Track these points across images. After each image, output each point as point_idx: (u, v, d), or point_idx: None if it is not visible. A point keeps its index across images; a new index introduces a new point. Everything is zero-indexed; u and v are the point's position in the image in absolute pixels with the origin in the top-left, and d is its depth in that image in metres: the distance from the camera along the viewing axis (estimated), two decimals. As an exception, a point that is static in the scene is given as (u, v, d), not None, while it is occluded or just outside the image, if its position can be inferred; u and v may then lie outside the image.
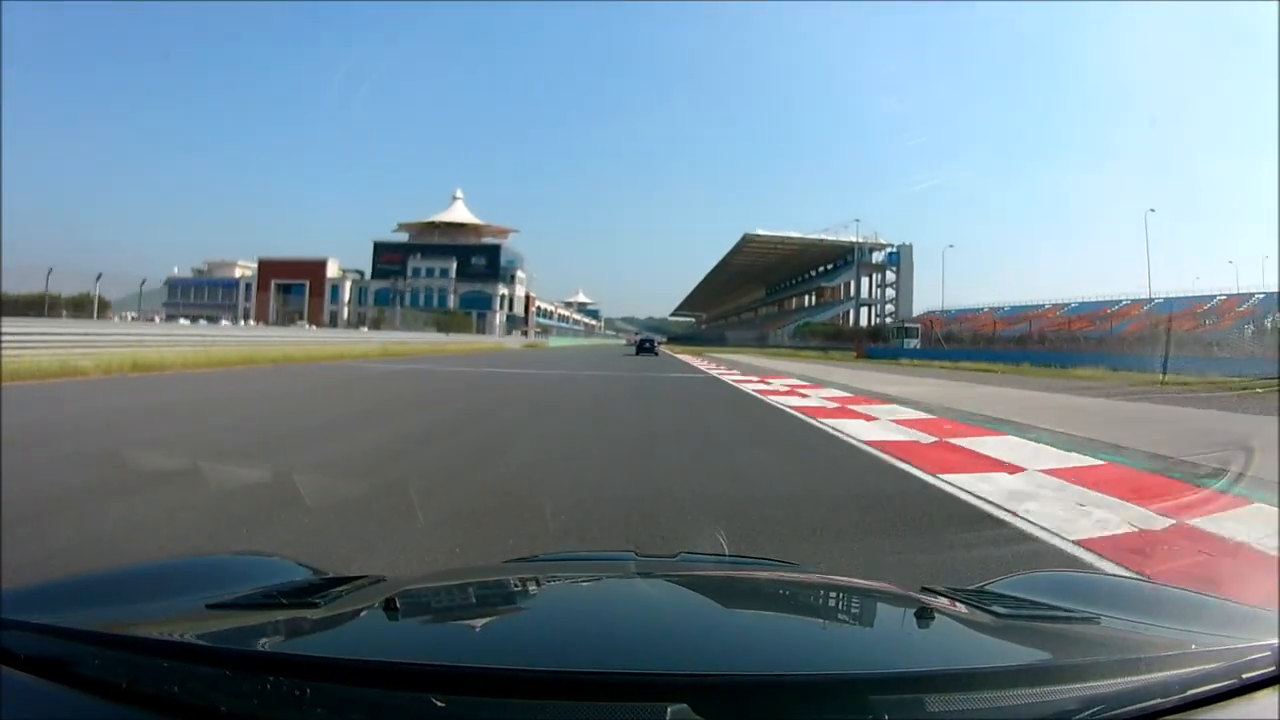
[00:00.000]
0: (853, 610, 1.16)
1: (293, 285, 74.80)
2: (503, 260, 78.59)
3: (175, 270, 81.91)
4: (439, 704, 0.62)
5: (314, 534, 3.16)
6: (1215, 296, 51.61)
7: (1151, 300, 54.40)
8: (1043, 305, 63.91)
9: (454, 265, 76.98)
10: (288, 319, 59.68)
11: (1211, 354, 26.67)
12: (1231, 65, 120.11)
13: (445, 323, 56.60)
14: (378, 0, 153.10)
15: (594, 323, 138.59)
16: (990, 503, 4.17)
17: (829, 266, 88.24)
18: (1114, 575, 2.68)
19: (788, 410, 9.68)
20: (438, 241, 78.81)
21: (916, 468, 5.29)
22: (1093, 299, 59.46)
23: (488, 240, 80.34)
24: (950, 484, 4.67)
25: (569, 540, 3.22)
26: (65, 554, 2.78)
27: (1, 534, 2.96)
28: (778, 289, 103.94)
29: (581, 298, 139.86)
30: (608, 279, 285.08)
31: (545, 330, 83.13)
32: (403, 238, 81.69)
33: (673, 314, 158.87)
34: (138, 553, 2.88)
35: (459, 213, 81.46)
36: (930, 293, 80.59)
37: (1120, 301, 57.52)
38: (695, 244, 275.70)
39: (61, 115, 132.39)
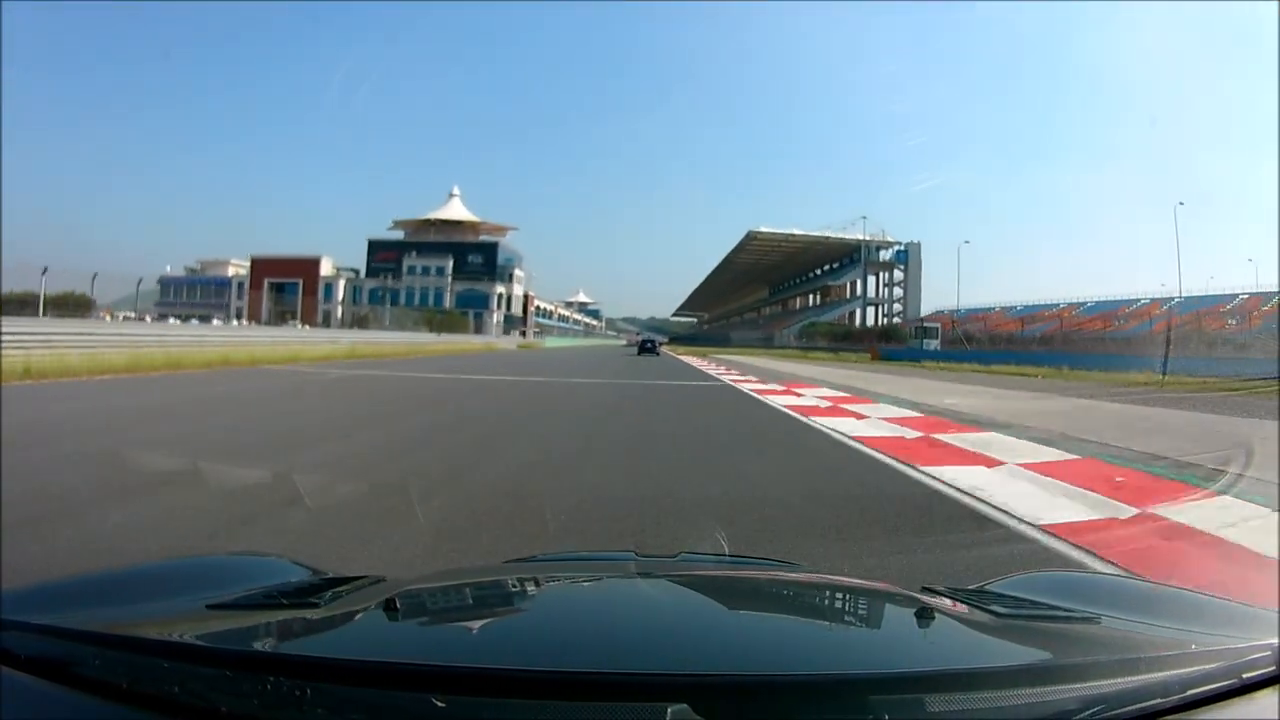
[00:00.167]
0: (853, 610, 1.15)
1: (286, 284, 73.51)
2: (500, 258, 76.03)
3: (168, 269, 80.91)
4: (439, 704, 0.62)
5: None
6: (1237, 295, 50.61)
7: (1171, 299, 52.93)
8: (1057, 304, 62.41)
9: (450, 263, 73.97)
10: (280, 318, 58.13)
11: (1245, 354, 26.31)
12: (1231, 65, 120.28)
13: (439, 322, 55.55)
14: (378, 0, 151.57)
15: (595, 323, 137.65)
16: None
17: (834, 265, 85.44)
18: (1114, 575, 2.53)
19: (862, 449, 6.40)
20: (434, 239, 75.92)
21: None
22: (1109, 298, 58.60)
23: (485, 238, 77.58)
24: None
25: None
26: None
27: (1, 534, 2.92)
28: (781, 288, 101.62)
29: (582, 297, 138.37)
30: (608, 279, 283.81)
31: (545, 330, 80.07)
32: (399, 235, 78.79)
33: (674, 314, 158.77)
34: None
35: (456, 210, 78.86)
36: (933, 293, 77.95)
37: (1138, 300, 56.45)
38: (696, 244, 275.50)
39: (61, 115, 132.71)
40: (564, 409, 9.68)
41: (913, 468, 5.38)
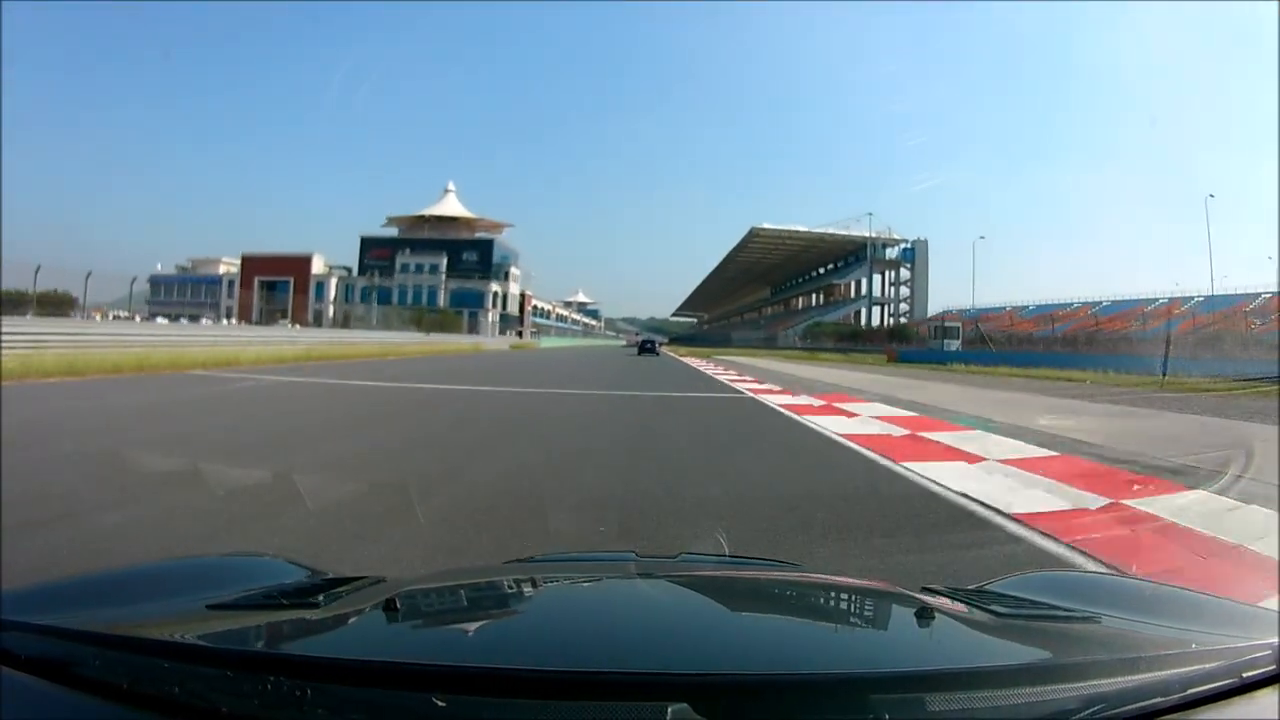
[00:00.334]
0: (853, 610, 1.16)
1: (277, 283, 72.35)
2: (496, 256, 73.39)
3: (159, 267, 79.66)
4: (440, 704, 0.62)
5: None
6: (1260, 294, 48.30)
7: (1191, 298, 51.79)
8: (1071, 304, 60.57)
9: (444, 261, 71.12)
10: (271, 317, 57.85)
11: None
12: (1231, 65, 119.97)
13: (431, 321, 54.46)
14: (378, 0, 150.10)
15: (594, 323, 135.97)
16: None
17: (838, 264, 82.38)
18: (1114, 575, 2.47)
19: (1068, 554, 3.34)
20: (428, 236, 72.93)
21: None
22: (1125, 297, 57.08)
23: (481, 235, 74.58)
24: None
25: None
26: None
27: (1, 534, 2.87)
28: (783, 288, 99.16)
29: (581, 297, 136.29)
30: (608, 279, 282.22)
31: (542, 330, 77.21)
32: (393, 232, 75.63)
33: (674, 314, 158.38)
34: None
35: (451, 206, 75.99)
36: (935, 293, 79.35)
37: (1156, 300, 54.66)
38: (695, 244, 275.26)
39: (61, 115, 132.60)
40: (546, 442, 6.67)
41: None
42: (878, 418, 8.93)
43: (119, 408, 8.26)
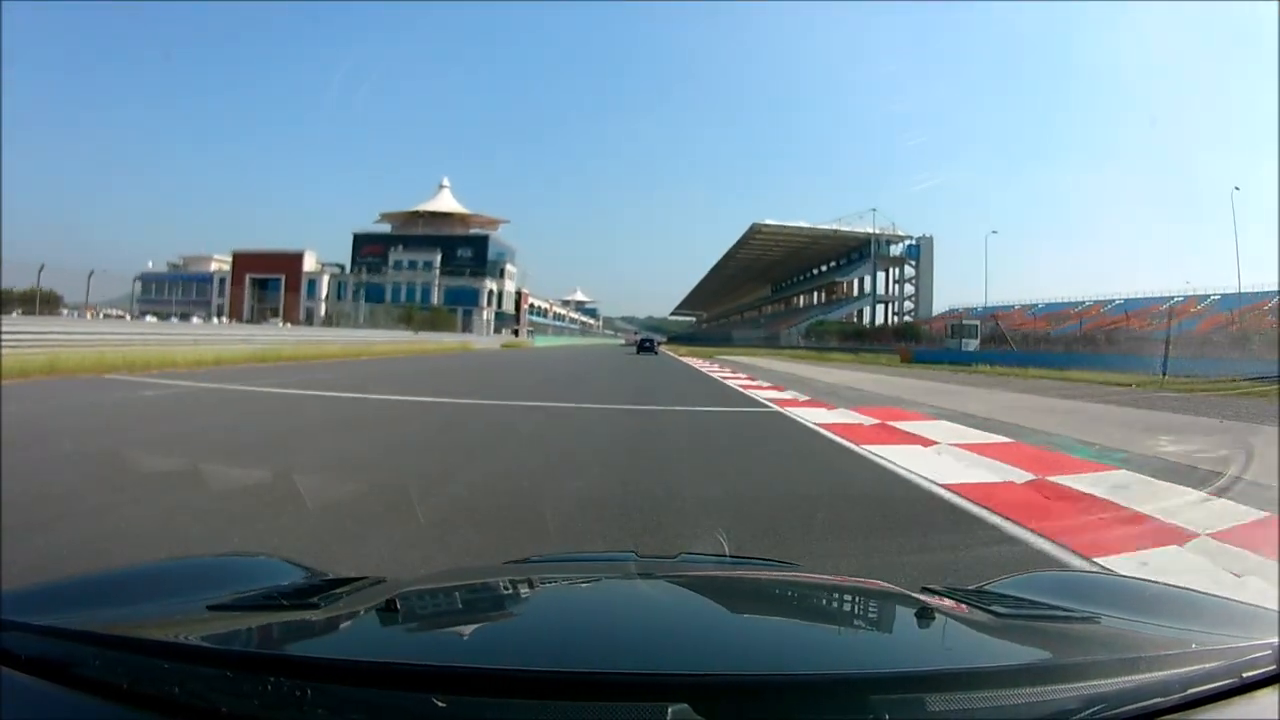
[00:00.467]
0: (853, 610, 1.16)
1: (269, 280, 70.83)
2: (491, 253, 71.16)
3: (150, 265, 77.57)
4: (440, 704, 0.62)
5: None
6: (1277, 293, 46.12)
7: (1207, 297, 50.96)
8: (1083, 302, 59.41)
9: (438, 257, 68.67)
10: (262, 315, 57.10)
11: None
12: (1231, 65, 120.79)
13: (423, 319, 53.31)
14: (378, 0, 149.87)
15: (592, 322, 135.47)
16: None
17: (840, 261, 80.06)
18: (1114, 575, 2.44)
19: None
20: (421, 232, 70.35)
21: None
22: (1137, 295, 55.95)
23: (476, 231, 71.93)
24: None
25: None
26: None
27: (1, 534, 2.84)
28: (783, 286, 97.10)
29: (580, 296, 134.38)
30: (607, 278, 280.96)
31: (539, 329, 74.97)
32: (386, 229, 73.26)
33: (672, 313, 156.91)
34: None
35: (445, 202, 73.58)
36: (939, 292, 79.38)
37: (1173, 298, 52.92)
38: (694, 244, 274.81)
39: (61, 115, 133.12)
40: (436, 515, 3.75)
41: None
42: (963, 446, 6.58)
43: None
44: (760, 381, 16.48)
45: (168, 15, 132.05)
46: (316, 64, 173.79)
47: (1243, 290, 46.07)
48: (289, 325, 40.69)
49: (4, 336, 12.02)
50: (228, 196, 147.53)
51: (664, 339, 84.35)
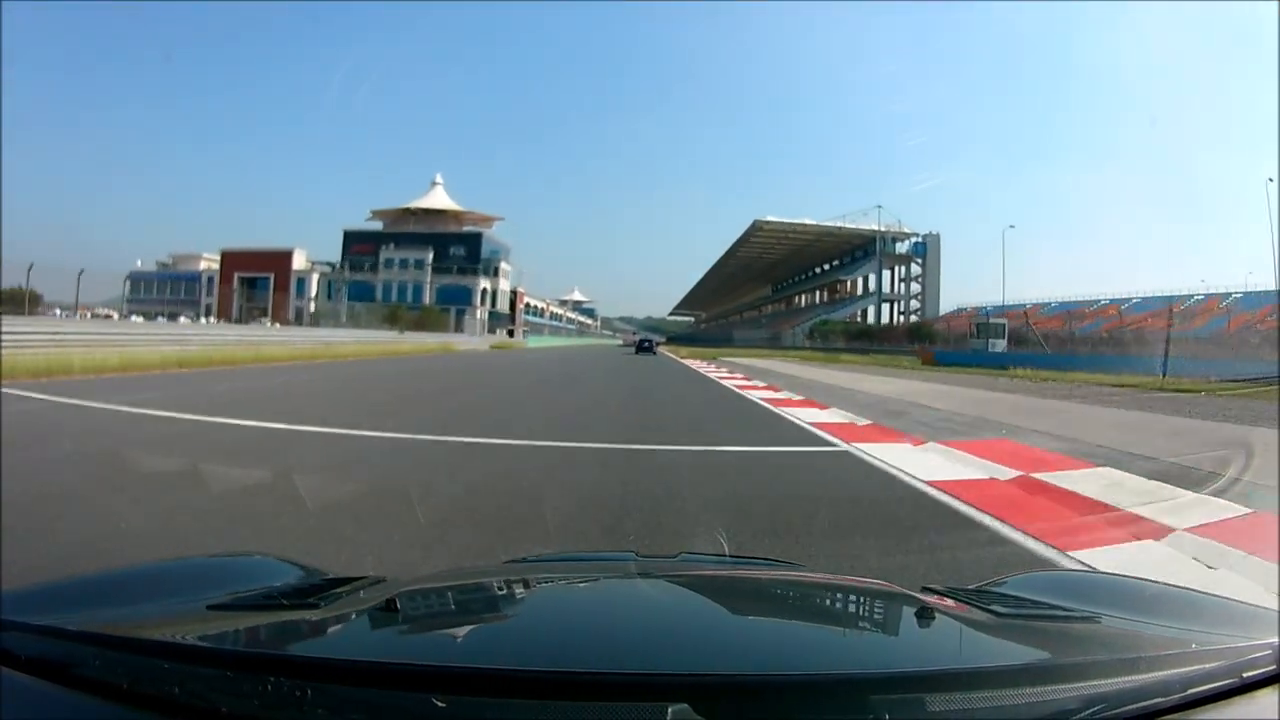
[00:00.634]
0: (853, 610, 1.15)
1: (258, 279, 68.86)
2: (485, 250, 68.72)
3: (139, 264, 74.40)
4: (440, 704, 0.62)
5: None
6: None
7: (1229, 295, 48.91)
8: (1099, 301, 57.35)
9: (429, 255, 65.73)
10: (250, 315, 56.28)
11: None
12: (1232, 65, 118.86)
13: (413, 319, 52.41)
14: (378, 0, 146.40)
15: (590, 322, 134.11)
16: None
17: (843, 260, 77.50)
18: (1114, 575, 2.27)
19: None
20: (413, 230, 67.18)
21: None
22: (1156, 294, 53.59)
23: (469, 229, 68.71)
24: None
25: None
26: None
27: (1, 534, 2.81)
28: (785, 285, 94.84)
29: (577, 296, 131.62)
30: (605, 278, 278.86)
31: (536, 329, 72.16)
32: (377, 226, 70.62)
33: (671, 313, 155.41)
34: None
35: (438, 198, 70.51)
36: (943, 292, 77.28)
37: (1192, 297, 51.38)
38: (693, 244, 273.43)
39: (61, 115, 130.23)
40: None
41: None
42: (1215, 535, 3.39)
43: None
44: (786, 393, 13.26)
45: (167, 15, 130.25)
46: (316, 64, 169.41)
47: (1260, 289, 44.35)
48: (278, 325, 39.85)
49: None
50: (228, 197, 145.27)
51: (662, 339, 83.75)
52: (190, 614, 0.86)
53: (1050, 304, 57.99)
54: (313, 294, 68.89)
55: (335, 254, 73.21)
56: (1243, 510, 4.20)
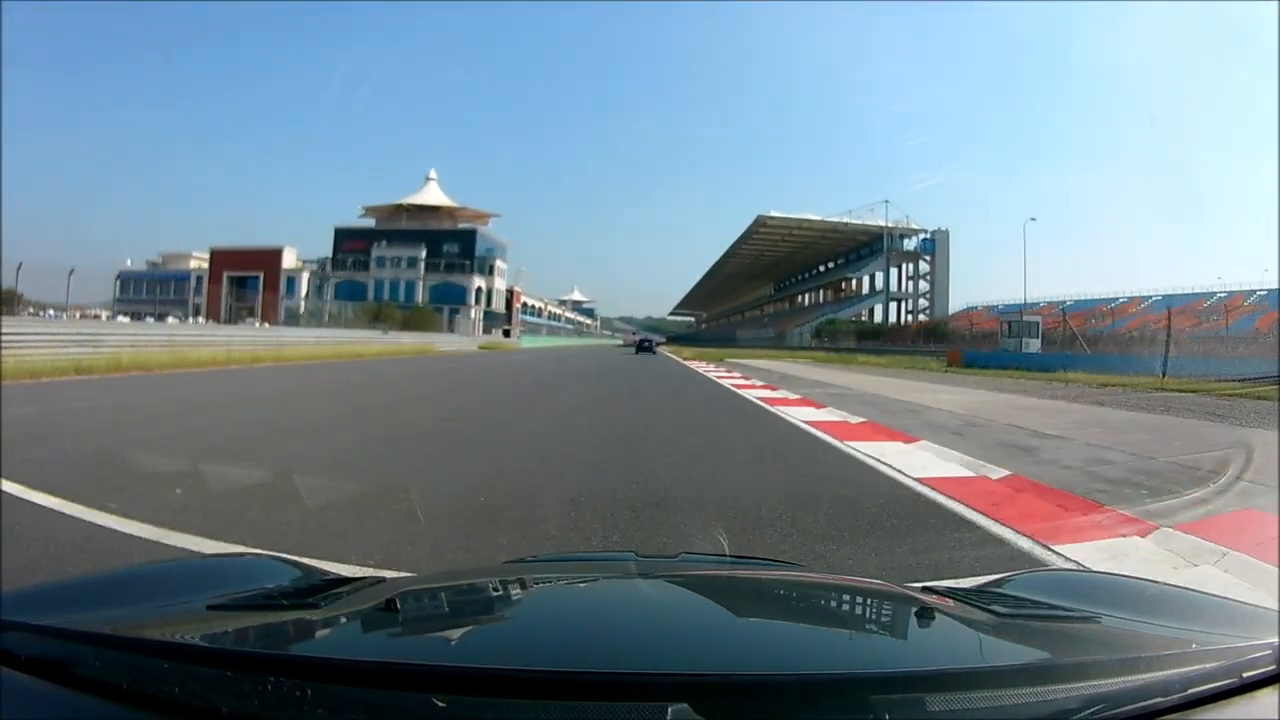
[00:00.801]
0: (853, 610, 1.14)
1: (247, 278, 66.50)
2: (480, 248, 65.91)
3: (129, 263, 74.98)
4: (440, 704, 0.62)
5: None
6: None
7: (1255, 292, 47.06)
8: (1118, 299, 55.73)
9: (422, 253, 62.78)
10: (239, 315, 54.03)
11: None
12: (1232, 65, 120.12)
13: (402, 318, 49.40)
14: (378, 0, 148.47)
15: (589, 322, 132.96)
16: None
17: (849, 257, 74.61)
18: (1114, 575, 2.10)
19: None
20: (406, 227, 63.86)
21: None
22: (1174, 291, 51.61)
23: (464, 225, 65.44)
24: None
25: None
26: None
27: (1, 534, 2.76)
28: (788, 284, 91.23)
29: (577, 295, 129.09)
30: (605, 278, 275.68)
31: (533, 329, 69.24)
32: (370, 223, 68.02)
33: (671, 313, 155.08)
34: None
35: (432, 194, 67.38)
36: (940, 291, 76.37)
37: (1215, 294, 49.88)
38: (693, 245, 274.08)
39: (61, 115, 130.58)
40: None
41: None
42: None
43: None
44: (837, 411, 9.80)
45: (168, 15, 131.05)
46: (316, 64, 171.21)
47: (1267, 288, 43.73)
48: (266, 325, 38.31)
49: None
50: (228, 197, 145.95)
51: (662, 339, 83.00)
52: (190, 614, 0.86)
53: (1065, 302, 55.51)
54: (303, 293, 66.93)
55: (328, 252, 71.69)
56: None
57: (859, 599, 1.17)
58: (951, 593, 1.07)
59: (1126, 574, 1.99)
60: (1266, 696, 0.70)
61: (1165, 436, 7.87)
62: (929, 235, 71.73)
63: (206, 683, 0.66)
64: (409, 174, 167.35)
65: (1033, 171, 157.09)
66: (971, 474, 5.45)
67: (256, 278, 65.87)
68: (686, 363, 28.99)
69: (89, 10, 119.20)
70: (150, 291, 69.74)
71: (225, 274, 64.76)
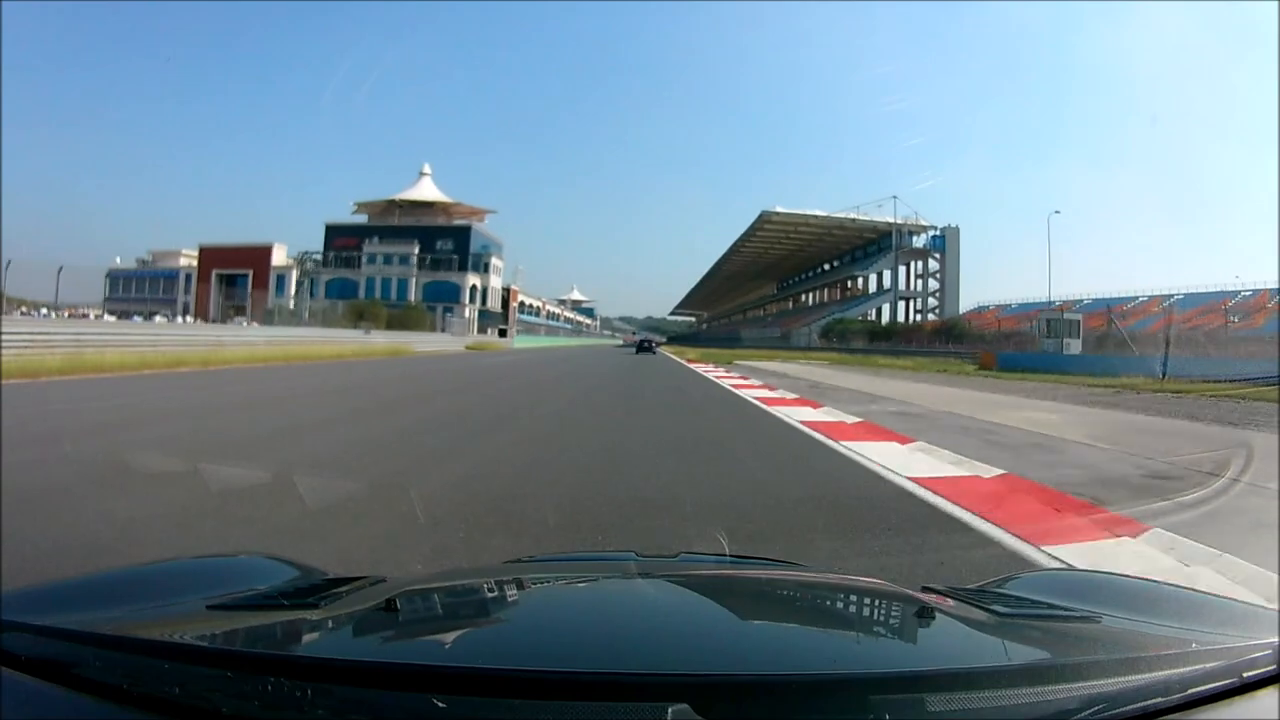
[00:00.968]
0: (853, 610, 1.13)
1: (237, 276, 64.85)
2: (475, 245, 63.18)
3: (118, 261, 73.17)
4: (440, 704, 0.62)
5: None
6: None
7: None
8: (1137, 298, 52.97)
9: (415, 250, 59.71)
10: (228, 313, 52.13)
11: None
12: (1233, 64, 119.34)
13: (389, 317, 47.48)
14: (378, 0, 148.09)
15: (589, 321, 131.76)
16: None
17: (855, 255, 71.35)
18: (1114, 575, 1.95)
19: None
20: (399, 223, 60.90)
21: None
22: (1198, 289, 49.71)
23: (459, 222, 62.26)
24: None
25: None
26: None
27: (1, 534, 2.75)
28: (791, 283, 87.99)
29: (576, 295, 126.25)
30: (605, 278, 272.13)
31: (530, 329, 66.23)
32: (362, 219, 65.74)
33: (671, 313, 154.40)
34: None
35: (426, 190, 64.04)
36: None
37: (1239, 293, 47.36)
38: (693, 245, 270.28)
39: (62, 115, 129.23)
40: None
41: None
42: None
43: None
44: (945, 453, 6.01)
45: (168, 15, 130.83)
46: (316, 64, 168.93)
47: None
48: (255, 323, 37.33)
49: None
50: (228, 197, 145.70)
51: (663, 339, 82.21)
52: (190, 614, 0.86)
53: (1083, 300, 52.74)
54: (292, 290, 65.15)
55: (320, 250, 70.28)
56: None
57: (859, 599, 1.17)
58: (951, 592, 1.06)
59: (1127, 575, 1.84)
60: (1267, 696, 0.70)
61: None
62: (939, 232, 69.20)
63: (207, 683, 0.65)
64: (405, 171, 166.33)
65: (1033, 171, 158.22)
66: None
67: (246, 276, 64.51)
68: (691, 365, 26.15)
69: (82, 8, 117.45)
70: (140, 289, 68.49)
71: (214, 272, 64.15)
